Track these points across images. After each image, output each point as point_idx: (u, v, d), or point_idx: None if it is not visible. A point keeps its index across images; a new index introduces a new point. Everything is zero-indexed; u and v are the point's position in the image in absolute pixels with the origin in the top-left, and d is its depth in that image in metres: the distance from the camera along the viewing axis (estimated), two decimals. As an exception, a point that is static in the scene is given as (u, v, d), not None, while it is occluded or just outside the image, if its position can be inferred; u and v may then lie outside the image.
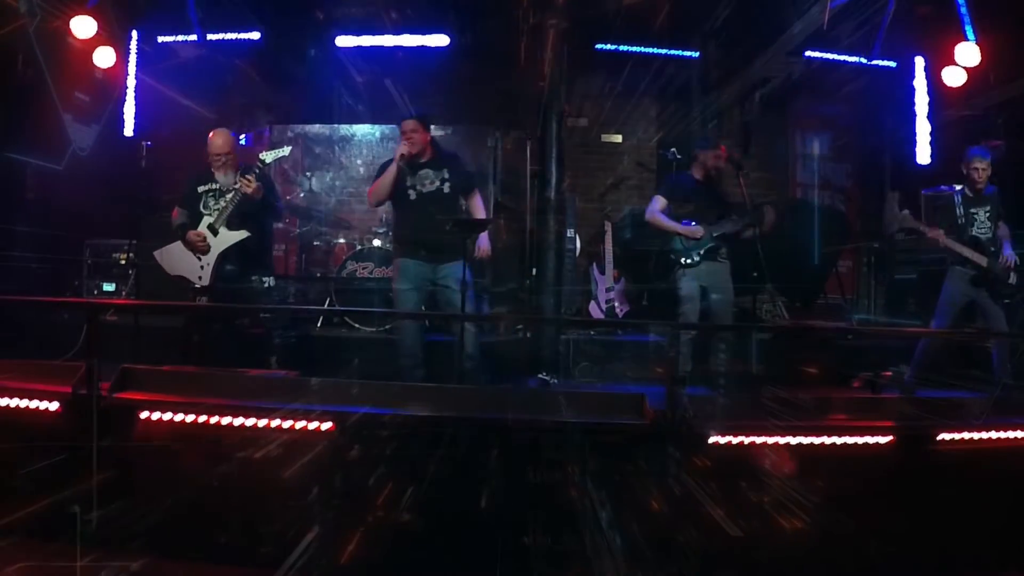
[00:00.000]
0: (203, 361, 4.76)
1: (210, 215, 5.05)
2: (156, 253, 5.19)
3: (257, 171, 5.02)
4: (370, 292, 6.73)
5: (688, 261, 5.46)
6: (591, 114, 8.62)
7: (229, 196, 5.02)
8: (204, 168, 5.19)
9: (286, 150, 5.29)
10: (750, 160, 8.50)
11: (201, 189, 5.14)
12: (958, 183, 5.45)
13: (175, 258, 5.10)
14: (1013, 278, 5.25)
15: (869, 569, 3.25)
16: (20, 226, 6.46)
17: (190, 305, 5.46)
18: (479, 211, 5.14)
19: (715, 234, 5.46)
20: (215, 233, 5.03)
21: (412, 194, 4.93)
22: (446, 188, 4.96)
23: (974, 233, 5.27)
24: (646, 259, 6.91)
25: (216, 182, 5.14)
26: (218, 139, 5.15)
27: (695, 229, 5.46)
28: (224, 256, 5.05)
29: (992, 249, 5.24)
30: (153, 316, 5.88)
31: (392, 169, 4.85)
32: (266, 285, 5.31)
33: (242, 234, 5.05)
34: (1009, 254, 5.26)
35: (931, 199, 5.82)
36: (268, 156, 5.12)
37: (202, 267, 5.03)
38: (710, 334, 5.64)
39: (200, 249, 5.02)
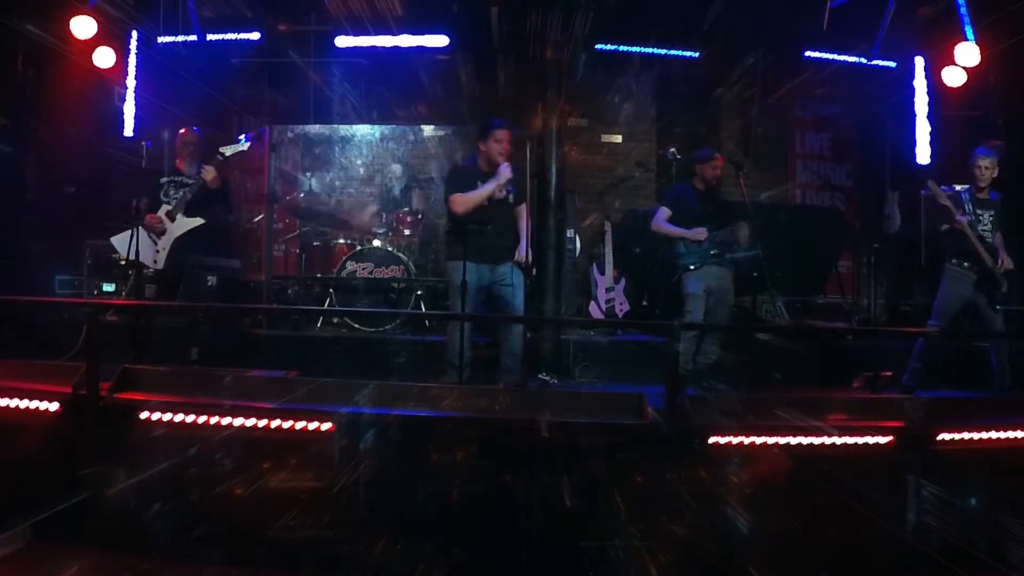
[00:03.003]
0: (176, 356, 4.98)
1: (168, 203, 5.39)
2: (112, 240, 5.53)
3: (217, 163, 5.40)
4: (370, 292, 6.74)
5: (692, 267, 5.52)
6: (591, 114, 8.61)
7: (189, 185, 5.39)
8: (167, 163, 5.60)
9: (245, 144, 5.60)
10: (750, 160, 8.51)
11: (163, 180, 5.50)
12: (958, 183, 5.45)
13: (131, 243, 5.34)
14: (1006, 286, 5.27)
15: (869, 568, 3.25)
16: (20, 225, 6.46)
17: (190, 305, 5.49)
18: (523, 221, 5.23)
19: (717, 240, 5.52)
20: (172, 219, 5.38)
21: (485, 202, 5.04)
22: (510, 198, 5.12)
23: (980, 231, 5.28)
24: (649, 261, 6.92)
25: (179, 174, 5.52)
26: (189, 134, 5.64)
27: (699, 232, 5.51)
28: (180, 240, 5.38)
29: (994, 252, 5.25)
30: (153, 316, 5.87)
31: (491, 188, 4.95)
32: (209, 284, 5.61)
33: (197, 220, 5.42)
34: (1007, 260, 5.27)
35: (931, 199, 5.80)
36: (228, 150, 5.50)
37: (157, 251, 5.33)
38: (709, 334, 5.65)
39: (157, 230, 5.34)
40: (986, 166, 5.31)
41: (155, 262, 5.33)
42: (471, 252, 4.93)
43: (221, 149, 5.47)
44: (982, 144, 5.51)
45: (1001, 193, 5.44)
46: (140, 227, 5.28)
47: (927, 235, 5.81)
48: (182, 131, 5.68)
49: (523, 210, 5.25)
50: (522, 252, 5.12)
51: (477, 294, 5.06)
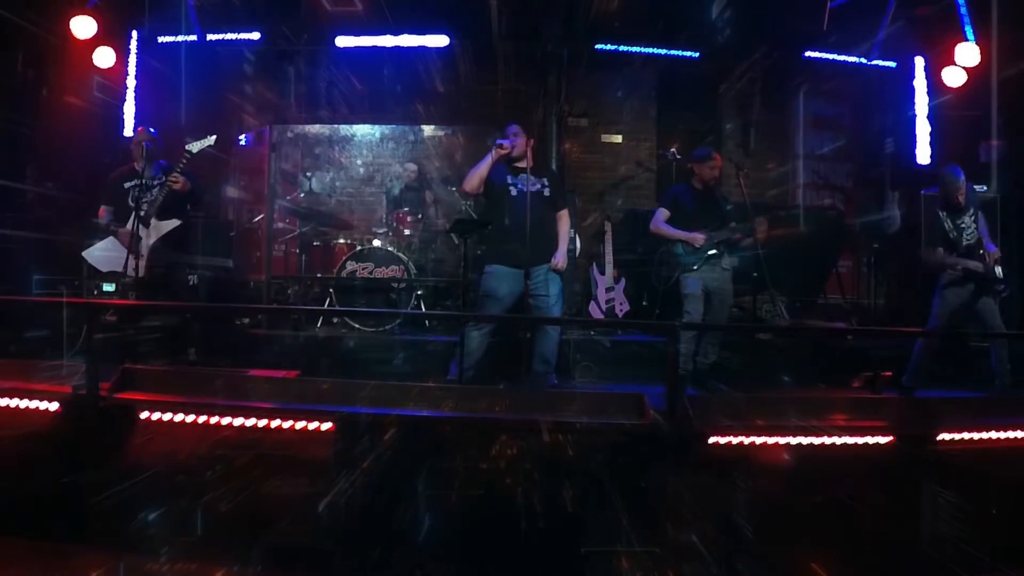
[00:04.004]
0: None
1: (140, 209, 5.28)
2: (85, 253, 5.43)
3: (184, 161, 5.31)
4: (370, 292, 6.74)
5: (690, 266, 5.49)
6: (591, 114, 8.62)
7: (156, 187, 5.32)
8: (128, 166, 5.51)
9: (211, 139, 5.49)
10: (750, 160, 8.51)
11: (128, 185, 5.39)
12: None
13: (106, 254, 5.35)
14: (1000, 271, 5.28)
15: (869, 569, 3.25)
16: (20, 225, 6.47)
17: (190, 305, 5.49)
18: (565, 227, 5.22)
19: (716, 240, 5.49)
20: (147, 225, 5.27)
21: (513, 191, 5.04)
22: (546, 192, 5.09)
23: (965, 241, 5.30)
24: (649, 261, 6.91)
25: (142, 177, 5.34)
26: (143, 134, 5.53)
27: (697, 236, 5.49)
28: (157, 245, 5.32)
29: (980, 251, 5.27)
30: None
31: (487, 159, 5.01)
32: (191, 282, 5.65)
33: (173, 223, 5.36)
34: (993, 249, 5.29)
35: (931, 200, 5.82)
36: (194, 146, 5.40)
37: (137, 259, 5.20)
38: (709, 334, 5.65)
39: (130, 243, 5.19)
40: (956, 190, 5.33)
41: (135, 270, 5.18)
42: (502, 253, 4.96)
43: (187, 146, 5.38)
44: (948, 165, 5.50)
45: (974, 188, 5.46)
46: (114, 238, 5.31)
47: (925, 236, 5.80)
48: (138, 130, 5.65)
49: (565, 215, 5.24)
50: (558, 257, 5.06)
51: (509, 298, 5.01)
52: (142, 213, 5.24)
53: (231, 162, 8.53)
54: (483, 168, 5.02)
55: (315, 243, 7.44)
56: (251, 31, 7.56)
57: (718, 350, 5.53)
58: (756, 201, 6.72)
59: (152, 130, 5.66)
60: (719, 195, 5.74)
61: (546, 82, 6.25)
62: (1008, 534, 3.33)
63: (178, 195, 5.36)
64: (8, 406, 3.35)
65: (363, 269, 6.76)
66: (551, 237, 5.07)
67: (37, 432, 3.33)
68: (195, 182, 5.50)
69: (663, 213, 5.67)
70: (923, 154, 7.38)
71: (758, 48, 7.71)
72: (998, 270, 5.28)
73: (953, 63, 6.60)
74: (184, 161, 5.33)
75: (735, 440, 3.26)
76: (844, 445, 3.31)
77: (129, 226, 5.21)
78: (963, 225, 5.33)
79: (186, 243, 5.61)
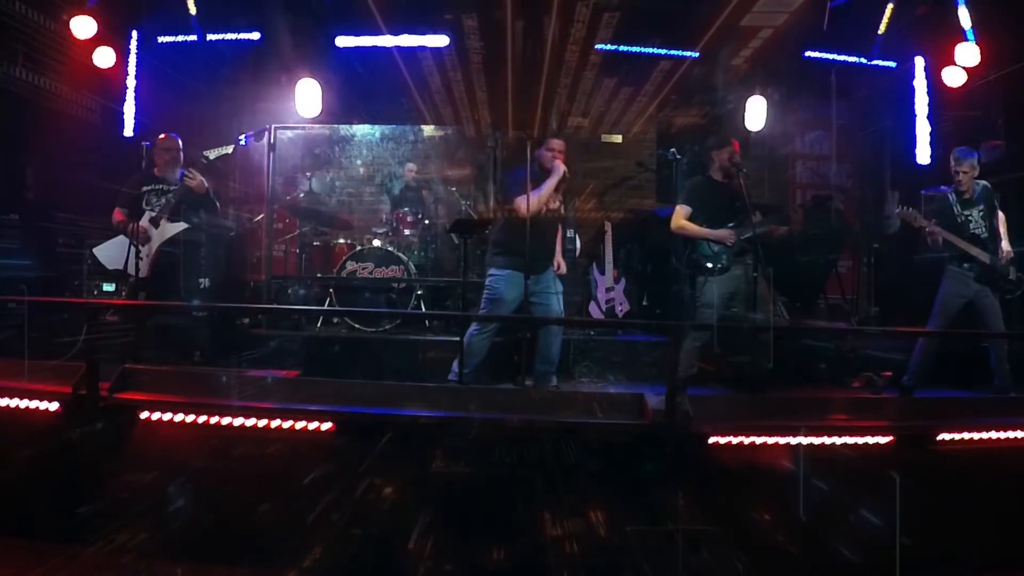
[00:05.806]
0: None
1: (152, 211, 5.44)
2: (95, 250, 5.55)
3: (201, 167, 5.47)
4: (370, 292, 6.74)
5: (718, 266, 5.20)
6: (591, 114, 8.61)
7: (172, 191, 5.45)
8: (146, 170, 5.59)
9: (229, 149, 5.68)
10: (750, 160, 8.50)
11: (144, 189, 5.52)
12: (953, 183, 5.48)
13: (115, 253, 5.43)
14: (1013, 273, 5.27)
15: (869, 569, 3.25)
16: (20, 225, 6.45)
17: (190, 306, 5.50)
18: (560, 230, 5.45)
19: (743, 236, 5.20)
20: (156, 225, 5.42)
21: (544, 208, 5.13)
22: (561, 208, 5.35)
23: (972, 231, 5.29)
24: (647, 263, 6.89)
25: (160, 182, 5.54)
26: (168, 140, 5.69)
27: (726, 234, 5.20)
28: (163, 247, 5.42)
29: (991, 246, 5.27)
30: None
31: (553, 184, 5.07)
32: (201, 286, 5.75)
33: (181, 226, 5.47)
34: (1007, 247, 5.28)
35: (930, 199, 5.83)
36: (212, 153, 5.58)
37: (140, 259, 5.29)
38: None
39: (141, 240, 5.31)
40: (964, 171, 5.32)
41: (138, 270, 5.27)
42: (519, 260, 4.98)
43: (205, 153, 5.51)
44: (963, 146, 5.49)
45: (986, 183, 5.45)
46: (125, 237, 5.34)
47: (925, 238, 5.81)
48: (160, 137, 5.72)
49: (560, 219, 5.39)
50: (559, 259, 5.31)
51: (515, 302, 5.06)
52: (154, 213, 5.40)
53: (231, 162, 8.52)
54: (548, 194, 5.03)
55: (315, 243, 7.44)
56: (251, 31, 7.55)
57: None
58: (756, 201, 6.70)
59: (174, 135, 5.74)
60: (739, 188, 5.32)
61: (546, 81, 6.24)
62: (1008, 534, 3.33)
63: (192, 197, 5.44)
64: (8, 406, 3.36)
65: (363, 269, 6.76)
66: (554, 242, 5.29)
67: (37, 432, 3.33)
68: (213, 190, 5.62)
69: (685, 210, 5.31)
70: (923, 154, 7.38)
71: (758, 48, 7.71)
72: (1012, 270, 5.28)
73: (953, 63, 6.59)
74: (201, 167, 5.47)
75: (735, 440, 3.26)
76: (844, 445, 3.31)
77: (141, 222, 5.31)
78: (970, 216, 5.32)
79: (192, 248, 5.66)
